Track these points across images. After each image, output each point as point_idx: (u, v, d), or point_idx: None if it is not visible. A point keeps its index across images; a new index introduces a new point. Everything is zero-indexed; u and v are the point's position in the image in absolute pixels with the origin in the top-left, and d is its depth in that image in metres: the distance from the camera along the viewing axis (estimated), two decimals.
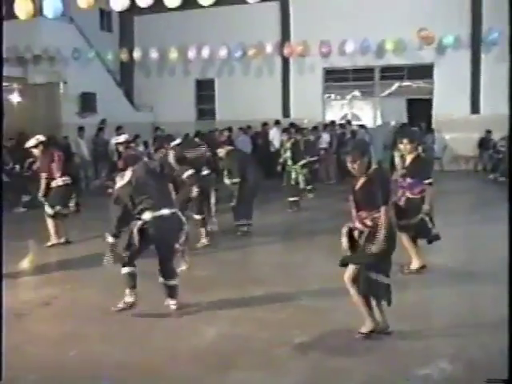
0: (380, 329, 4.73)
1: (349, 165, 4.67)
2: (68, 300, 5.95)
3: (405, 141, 6.56)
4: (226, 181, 8.94)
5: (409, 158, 6.59)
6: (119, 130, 15.53)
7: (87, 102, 16.93)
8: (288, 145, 11.38)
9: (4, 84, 15.52)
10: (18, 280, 6.90)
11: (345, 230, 4.75)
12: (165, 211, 5.33)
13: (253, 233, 8.99)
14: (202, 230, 8.18)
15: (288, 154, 11.27)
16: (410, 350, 4.53)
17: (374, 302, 4.74)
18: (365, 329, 4.70)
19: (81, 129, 15.79)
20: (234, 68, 19.30)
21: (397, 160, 7.23)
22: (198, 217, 8.12)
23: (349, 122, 17.65)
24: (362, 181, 4.66)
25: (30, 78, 15.80)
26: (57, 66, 15.93)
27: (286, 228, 10.13)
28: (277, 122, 17.63)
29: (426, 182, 6.45)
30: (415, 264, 6.56)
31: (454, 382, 4.02)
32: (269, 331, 4.99)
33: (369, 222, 4.61)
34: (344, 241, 4.73)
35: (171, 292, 5.51)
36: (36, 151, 8.57)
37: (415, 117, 18.04)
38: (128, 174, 5.41)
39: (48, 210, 8.40)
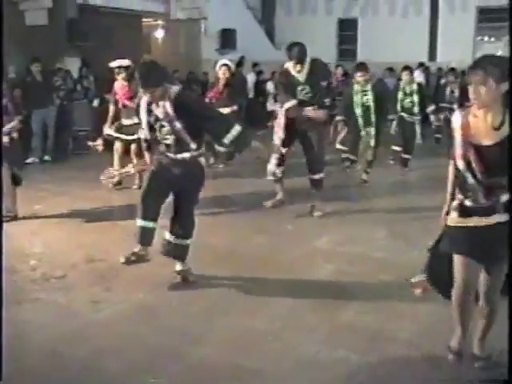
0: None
1: (471, 84, 2.85)
2: None
3: None
4: None
5: None
6: (255, 66, 16.19)
7: (227, 39, 17.03)
8: (414, 87, 9.27)
9: (148, 20, 16.14)
10: None
11: (446, 210, 3.20)
12: None
13: None
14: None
15: (414, 98, 9.20)
16: None
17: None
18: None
19: None
20: (378, 7, 18.40)
21: None
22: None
23: None
24: (497, 132, 2.88)
25: (173, 14, 16.17)
26: (198, 2, 16.10)
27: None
28: (421, 65, 16.46)
29: None
30: None
31: None
32: None
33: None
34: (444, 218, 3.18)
35: None
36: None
37: None
38: None
39: None
